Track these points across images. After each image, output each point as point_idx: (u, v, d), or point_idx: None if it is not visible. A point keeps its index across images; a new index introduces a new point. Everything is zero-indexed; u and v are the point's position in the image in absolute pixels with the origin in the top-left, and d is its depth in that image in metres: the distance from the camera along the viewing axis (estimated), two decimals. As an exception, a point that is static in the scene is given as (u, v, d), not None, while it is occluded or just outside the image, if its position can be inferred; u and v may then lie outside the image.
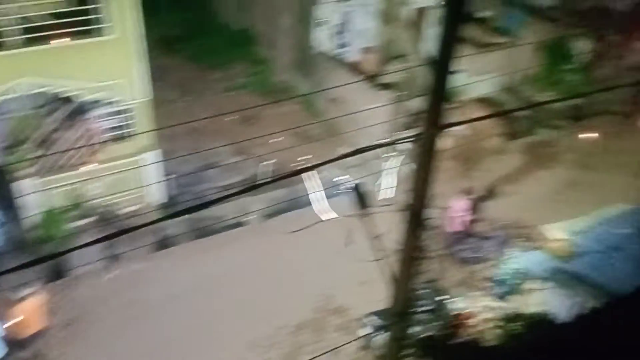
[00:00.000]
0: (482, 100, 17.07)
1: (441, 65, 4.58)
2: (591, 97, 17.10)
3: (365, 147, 4.98)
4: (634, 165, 15.39)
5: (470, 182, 14.90)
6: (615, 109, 17.55)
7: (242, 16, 21.12)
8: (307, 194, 13.27)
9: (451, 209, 12.87)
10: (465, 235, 13.18)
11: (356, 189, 6.03)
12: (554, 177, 15.53)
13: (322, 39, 18.07)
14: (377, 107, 11.75)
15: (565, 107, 17.49)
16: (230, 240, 13.75)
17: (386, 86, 14.81)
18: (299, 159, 13.77)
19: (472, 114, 15.27)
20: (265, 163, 14.88)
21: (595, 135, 16.72)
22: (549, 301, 9.37)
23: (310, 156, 13.49)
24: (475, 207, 13.45)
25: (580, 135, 16.86)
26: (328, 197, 13.30)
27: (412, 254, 5.67)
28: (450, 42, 4.45)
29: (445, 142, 14.62)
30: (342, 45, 17.97)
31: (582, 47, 17.84)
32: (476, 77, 16.55)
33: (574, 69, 17.55)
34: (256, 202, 13.37)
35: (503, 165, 15.84)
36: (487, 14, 19.17)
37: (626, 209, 10.95)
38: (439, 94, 4.68)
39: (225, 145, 14.15)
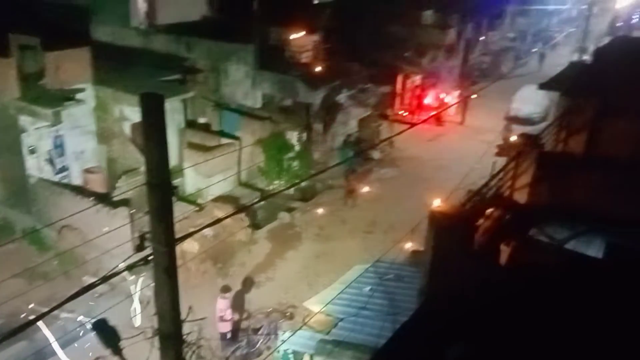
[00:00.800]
0: (222, 198, 17.74)
1: (160, 184, 4.55)
2: (314, 178, 19.49)
3: (91, 283, 4.54)
4: (361, 230, 17.88)
5: (228, 279, 15.05)
6: (334, 183, 20.30)
7: None
8: (51, 342, 11.48)
9: (217, 311, 12.66)
10: (234, 333, 13.06)
11: (98, 326, 5.42)
12: (301, 254, 16.77)
13: (38, 166, 16.57)
14: (113, 229, 11.05)
15: (296, 190, 19.47)
16: None
17: (118, 204, 14.16)
18: (30, 306, 11.92)
19: (214, 213, 15.70)
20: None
21: (324, 209, 18.87)
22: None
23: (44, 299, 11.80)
24: (237, 303, 13.51)
25: (314, 211, 18.80)
26: (76, 339, 11.71)
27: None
28: (162, 161, 4.47)
29: (193, 246, 14.62)
30: (62, 170, 16.76)
31: (296, 136, 20.28)
32: (211, 178, 17.23)
33: (294, 156, 19.72)
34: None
35: (255, 254, 16.47)
36: (205, 119, 20.50)
37: (362, 267, 12.37)
38: (163, 211, 4.62)
39: None
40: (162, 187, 4.56)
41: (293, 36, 24.44)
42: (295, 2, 28.22)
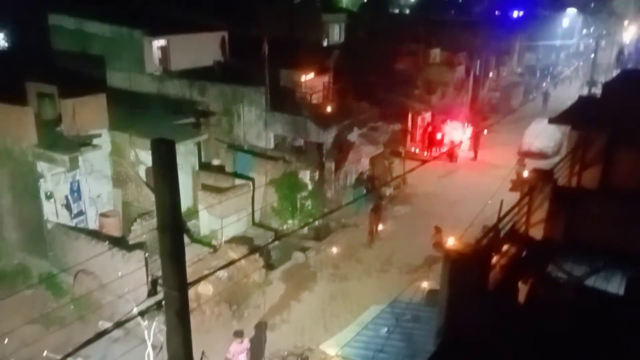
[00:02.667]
0: (236, 239, 17.73)
1: (172, 228, 4.59)
2: (328, 217, 19.47)
3: (105, 329, 4.53)
4: (377, 268, 17.70)
5: (243, 322, 14.88)
6: (348, 222, 20.25)
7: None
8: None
9: (229, 354, 12.47)
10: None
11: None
12: (316, 295, 16.57)
13: (55, 211, 16.78)
14: (129, 273, 11.10)
15: (310, 229, 19.43)
16: None
17: (133, 247, 14.23)
18: (44, 353, 11.86)
19: (228, 255, 15.68)
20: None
21: (338, 248, 18.75)
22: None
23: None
24: (252, 348, 13.29)
25: (329, 250, 18.68)
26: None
27: None
28: (173, 205, 4.51)
29: (207, 288, 14.54)
30: (78, 214, 16.96)
31: (309, 175, 20.39)
32: (225, 219, 17.29)
33: (306, 196, 19.77)
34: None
35: (270, 296, 16.30)
36: (219, 161, 20.75)
37: (379, 308, 12.17)
38: (176, 255, 4.64)
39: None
40: (173, 231, 4.58)
41: (303, 78, 24.95)
42: (304, 45, 28.96)
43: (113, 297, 12.95)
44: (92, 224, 17.65)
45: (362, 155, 22.76)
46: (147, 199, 17.65)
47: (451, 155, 26.97)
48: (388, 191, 22.85)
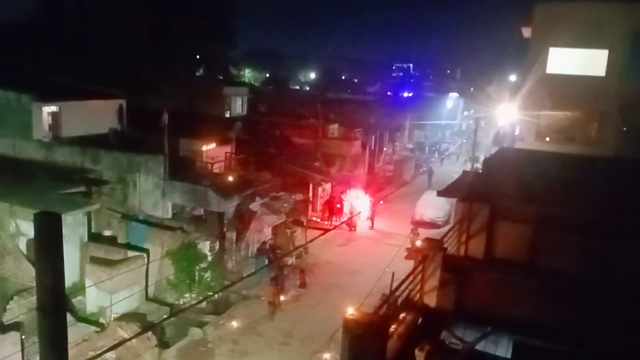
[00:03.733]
0: (127, 316, 16.53)
1: (53, 309, 4.22)
2: (228, 289, 18.85)
3: None
4: (278, 342, 17.24)
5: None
6: (249, 294, 19.74)
7: None
8: None
9: None
10: None
11: None
12: (214, 374, 15.71)
13: None
14: (3, 358, 9.87)
15: (208, 303, 18.63)
16: None
17: (9, 328, 12.74)
18: None
19: (117, 334, 14.54)
20: None
21: (239, 322, 18.11)
22: None
23: None
24: None
25: (228, 325, 17.95)
26: None
27: None
28: (57, 284, 4.18)
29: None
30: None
31: (209, 246, 19.82)
32: (115, 294, 16.15)
33: (206, 267, 19.12)
34: None
35: (163, 377, 15.19)
36: (110, 232, 19.63)
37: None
38: (57, 338, 4.25)
39: None
40: (54, 312, 4.21)
41: (205, 147, 24.86)
42: (206, 116, 29.15)
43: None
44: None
45: (265, 224, 22.70)
46: (27, 274, 16.07)
47: (350, 225, 27.76)
48: (290, 260, 22.79)
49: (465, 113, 66.32)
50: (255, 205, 21.98)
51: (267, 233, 23.27)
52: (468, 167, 32.91)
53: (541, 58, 17.73)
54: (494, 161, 13.60)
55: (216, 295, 18.60)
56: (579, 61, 17.52)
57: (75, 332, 14.26)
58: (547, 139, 18.29)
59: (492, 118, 52.94)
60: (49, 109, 22.76)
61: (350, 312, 7.39)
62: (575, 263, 9.42)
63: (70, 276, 17.29)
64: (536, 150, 16.14)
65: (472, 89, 77.21)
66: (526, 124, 19.23)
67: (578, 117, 17.97)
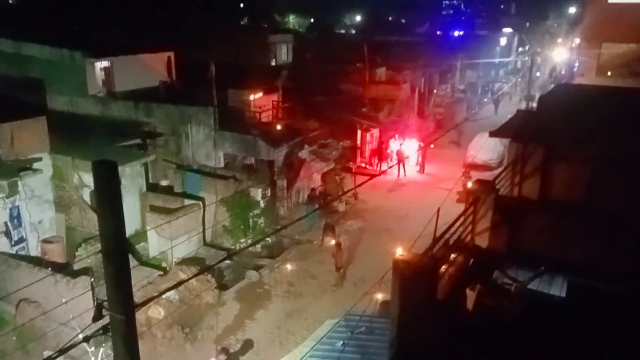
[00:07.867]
0: (187, 260, 17.38)
1: (116, 252, 4.49)
2: (281, 234, 19.39)
3: (48, 357, 4.36)
4: (331, 284, 17.72)
5: (196, 344, 14.55)
6: (301, 238, 20.24)
7: None
8: None
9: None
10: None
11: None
12: (271, 313, 16.41)
13: (-7, 239, 16.00)
14: (73, 299, 10.66)
15: (263, 247, 19.29)
16: None
17: (79, 273, 13.70)
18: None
19: (179, 276, 15.35)
20: None
21: (293, 265, 18.69)
22: None
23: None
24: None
25: (283, 268, 18.58)
26: None
27: None
28: (118, 228, 4.43)
29: (159, 312, 14.18)
30: (19, 241, 16.21)
31: (260, 193, 20.30)
32: (174, 240, 16.95)
33: (259, 213, 19.66)
34: None
35: (224, 316, 16.02)
36: (167, 182, 20.38)
37: (333, 322, 12.19)
38: (121, 279, 4.54)
39: None
40: (117, 255, 4.49)
41: (252, 97, 25.00)
42: (252, 66, 29.09)
43: (58, 325, 12.41)
44: (34, 251, 16.91)
45: (314, 171, 22.91)
46: (92, 223, 17.09)
47: (400, 169, 27.55)
48: (341, 207, 23.05)
49: (521, 49, 63.02)
50: (304, 153, 22.15)
51: (317, 180, 23.51)
52: (523, 107, 31.66)
53: (604, -15, 16.49)
54: (550, 99, 12.97)
55: (270, 240, 19.19)
56: (646, -13, 16.18)
57: (140, 275, 15.16)
58: (609, 73, 17.23)
59: (549, 54, 50.28)
60: (101, 64, 23.39)
61: (400, 252, 7.46)
62: (634, 205, 9.05)
63: (132, 224, 18.24)
64: (597, 85, 15.26)
65: (527, 23, 72.99)
66: (586, 58, 18.15)
67: (644, 48, 16.77)
